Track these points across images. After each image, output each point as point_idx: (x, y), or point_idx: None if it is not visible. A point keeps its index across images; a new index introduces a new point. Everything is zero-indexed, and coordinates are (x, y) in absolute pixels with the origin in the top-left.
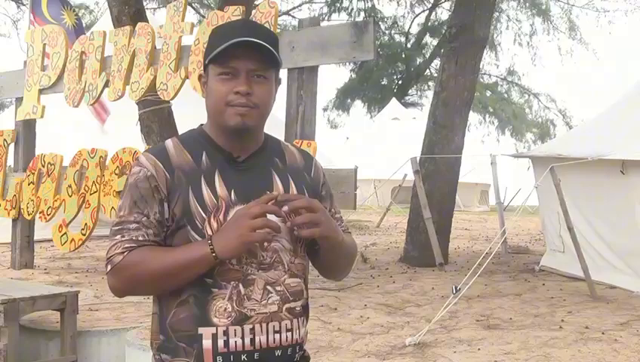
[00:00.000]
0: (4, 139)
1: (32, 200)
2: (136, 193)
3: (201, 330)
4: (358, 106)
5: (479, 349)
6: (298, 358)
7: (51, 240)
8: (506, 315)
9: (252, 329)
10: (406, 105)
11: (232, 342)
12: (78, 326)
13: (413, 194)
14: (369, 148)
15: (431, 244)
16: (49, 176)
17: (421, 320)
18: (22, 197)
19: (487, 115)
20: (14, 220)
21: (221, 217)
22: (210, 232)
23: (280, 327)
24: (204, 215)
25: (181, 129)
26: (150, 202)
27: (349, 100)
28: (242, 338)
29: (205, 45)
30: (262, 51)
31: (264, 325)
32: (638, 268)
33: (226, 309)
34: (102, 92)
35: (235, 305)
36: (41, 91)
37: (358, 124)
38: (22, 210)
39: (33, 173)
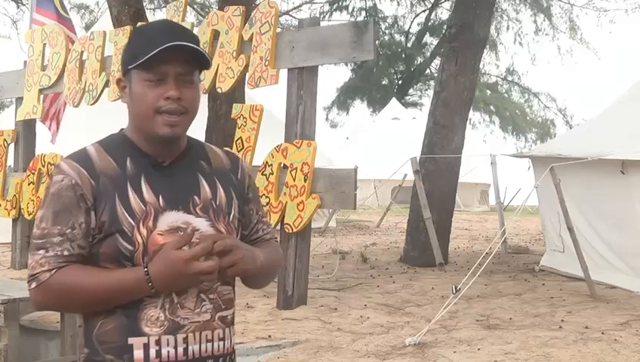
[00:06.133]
0: (4, 139)
1: (32, 200)
2: (59, 203)
3: (131, 341)
4: (359, 106)
5: (479, 349)
6: None
7: None
8: (506, 315)
9: (185, 339)
10: (406, 105)
11: (164, 351)
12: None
13: (413, 194)
14: (369, 148)
15: (431, 244)
16: (49, 176)
17: (421, 320)
18: (22, 197)
19: (488, 115)
20: (14, 220)
21: (150, 223)
22: (139, 240)
23: (212, 336)
24: (132, 222)
25: None
26: (75, 212)
27: (349, 100)
28: (175, 347)
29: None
30: (190, 54)
31: (197, 334)
32: (638, 268)
33: (158, 318)
34: (102, 92)
35: (167, 313)
36: (41, 91)
37: (358, 124)
38: (22, 210)
39: (33, 173)
